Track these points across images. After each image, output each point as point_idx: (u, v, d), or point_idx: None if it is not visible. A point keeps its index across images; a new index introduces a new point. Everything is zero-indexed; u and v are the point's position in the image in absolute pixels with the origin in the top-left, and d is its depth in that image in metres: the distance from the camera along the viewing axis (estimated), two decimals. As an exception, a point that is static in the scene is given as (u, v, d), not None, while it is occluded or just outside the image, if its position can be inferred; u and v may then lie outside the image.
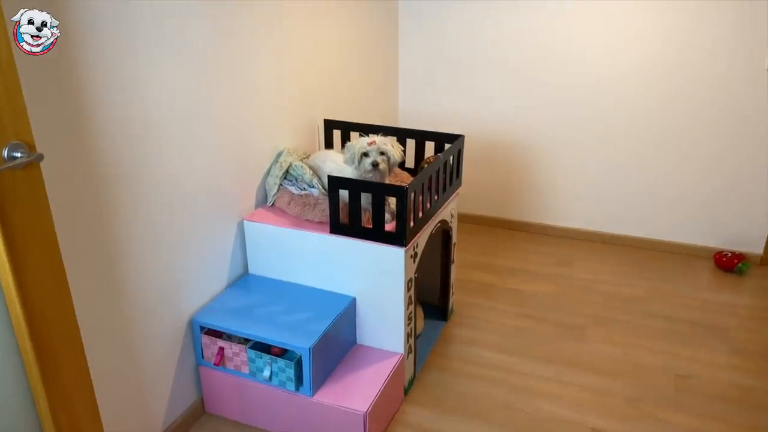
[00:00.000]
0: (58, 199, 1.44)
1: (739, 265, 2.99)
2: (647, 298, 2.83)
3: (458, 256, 2.64)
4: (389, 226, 2.00)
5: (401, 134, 2.48)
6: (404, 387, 2.19)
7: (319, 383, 1.96)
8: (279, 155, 2.31)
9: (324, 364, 1.97)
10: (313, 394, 1.93)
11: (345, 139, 2.55)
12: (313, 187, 2.20)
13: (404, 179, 2.34)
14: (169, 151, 1.80)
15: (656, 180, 3.14)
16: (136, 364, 1.82)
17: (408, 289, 2.07)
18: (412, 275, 2.09)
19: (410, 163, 2.51)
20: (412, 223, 1.99)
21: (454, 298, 2.72)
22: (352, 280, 2.10)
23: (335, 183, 1.98)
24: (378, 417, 1.97)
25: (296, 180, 2.25)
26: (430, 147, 2.45)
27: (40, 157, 1.30)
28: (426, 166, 2.32)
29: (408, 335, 2.15)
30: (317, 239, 2.08)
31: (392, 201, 1.97)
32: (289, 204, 2.19)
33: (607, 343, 2.50)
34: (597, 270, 3.07)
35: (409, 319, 2.14)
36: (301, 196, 2.18)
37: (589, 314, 2.70)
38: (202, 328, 2.00)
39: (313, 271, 2.14)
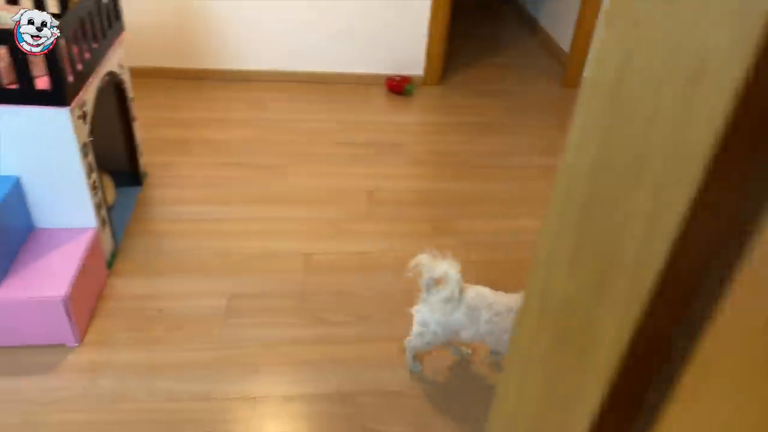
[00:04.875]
0: None
1: (407, 87, 3.34)
2: (336, 129, 3.00)
3: (141, 114, 2.39)
4: (42, 83, 1.67)
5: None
6: (107, 261, 2.01)
7: (-5, 281, 1.67)
8: None
9: (-4, 259, 1.67)
10: (-9, 295, 1.64)
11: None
12: None
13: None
14: None
15: (326, 14, 3.21)
16: None
17: (85, 155, 1.81)
18: (86, 139, 1.82)
19: (54, 7, 2.08)
20: (71, 78, 1.69)
21: (144, 160, 2.51)
22: (9, 155, 1.74)
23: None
24: (81, 298, 1.78)
25: None
26: (76, -14, 2.05)
27: None
28: (74, 8, 1.94)
29: (98, 206, 1.93)
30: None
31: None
32: None
33: (307, 175, 2.63)
34: (288, 109, 3.12)
35: (95, 188, 1.90)
36: None
37: (287, 152, 2.77)
38: None
39: (-49, 153, 1.72)
